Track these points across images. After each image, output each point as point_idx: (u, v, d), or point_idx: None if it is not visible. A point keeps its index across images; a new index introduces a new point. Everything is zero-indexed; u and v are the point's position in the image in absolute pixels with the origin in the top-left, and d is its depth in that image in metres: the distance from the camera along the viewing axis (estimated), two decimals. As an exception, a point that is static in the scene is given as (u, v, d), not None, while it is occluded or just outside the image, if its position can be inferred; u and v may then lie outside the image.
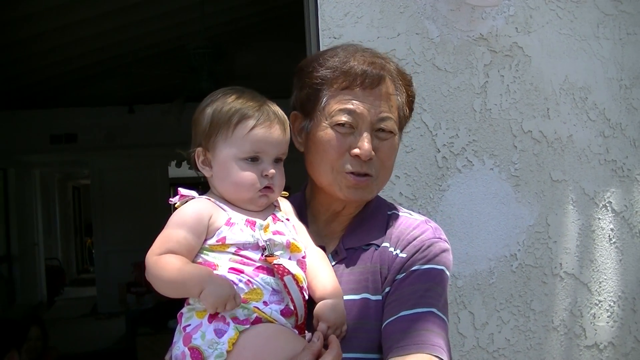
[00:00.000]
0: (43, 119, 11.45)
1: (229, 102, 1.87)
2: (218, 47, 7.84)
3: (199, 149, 1.90)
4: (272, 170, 1.85)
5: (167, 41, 9.41)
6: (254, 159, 1.84)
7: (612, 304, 3.27)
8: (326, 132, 1.93)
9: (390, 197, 2.90)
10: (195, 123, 1.92)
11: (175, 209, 1.87)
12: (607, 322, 3.26)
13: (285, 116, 1.93)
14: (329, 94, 1.93)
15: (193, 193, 1.89)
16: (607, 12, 3.29)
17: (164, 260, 1.76)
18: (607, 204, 3.28)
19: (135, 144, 12.11)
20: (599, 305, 3.25)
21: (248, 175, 1.83)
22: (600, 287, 3.25)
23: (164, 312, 8.55)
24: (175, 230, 1.80)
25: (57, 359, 6.57)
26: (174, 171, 15.51)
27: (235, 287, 1.73)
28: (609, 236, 3.28)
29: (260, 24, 9.36)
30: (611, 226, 3.29)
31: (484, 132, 3.07)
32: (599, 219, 3.27)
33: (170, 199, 1.91)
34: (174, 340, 1.82)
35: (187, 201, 1.87)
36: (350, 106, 1.90)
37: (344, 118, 1.90)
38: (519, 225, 3.10)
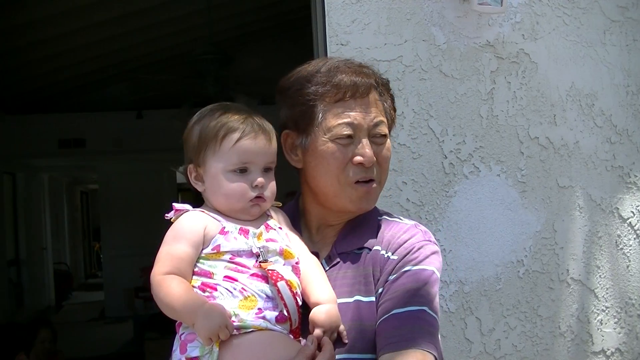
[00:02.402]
0: (52, 124, 11.47)
1: (215, 117, 1.92)
2: (225, 52, 7.86)
3: (191, 166, 1.95)
4: (261, 179, 1.88)
5: (175, 47, 9.44)
6: (242, 170, 1.88)
7: (619, 310, 3.27)
8: (327, 146, 1.97)
9: (397, 203, 2.92)
10: (185, 141, 1.97)
11: (172, 223, 1.91)
12: (614, 329, 3.26)
13: (271, 126, 1.97)
14: (324, 109, 1.97)
15: (187, 206, 1.93)
16: (613, 18, 3.30)
17: (165, 284, 1.79)
18: (614, 210, 3.28)
19: (143, 149, 12.13)
20: (606, 311, 3.25)
21: (238, 186, 1.87)
22: (607, 293, 3.25)
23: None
24: (172, 246, 1.84)
25: None
26: (181, 176, 15.51)
27: (230, 294, 1.77)
28: (616, 242, 3.29)
29: (267, 29, 9.39)
30: (618, 232, 3.30)
31: (491, 138, 3.08)
32: (606, 225, 3.27)
33: (166, 215, 1.94)
34: (173, 348, 1.86)
35: (181, 215, 1.91)
36: (348, 119, 1.95)
37: (344, 131, 1.95)
38: (525, 232, 3.11)
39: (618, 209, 3.29)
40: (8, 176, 13.23)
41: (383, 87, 2.05)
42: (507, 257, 3.08)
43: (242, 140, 1.87)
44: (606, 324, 3.25)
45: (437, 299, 1.95)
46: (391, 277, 1.93)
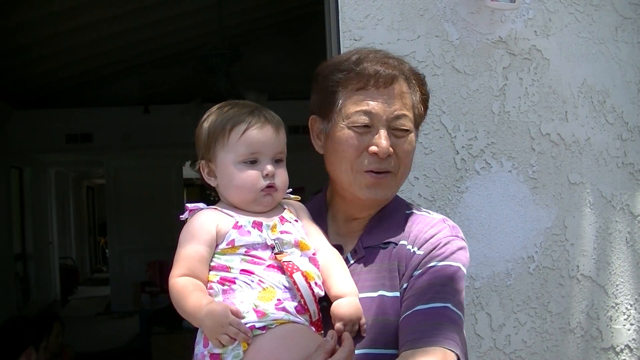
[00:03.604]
0: (59, 119, 11.50)
1: (222, 113, 1.96)
2: (235, 48, 7.87)
3: (202, 162, 1.98)
4: (270, 168, 1.91)
5: (184, 42, 9.46)
6: (252, 162, 1.91)
7: (628, 306, 3.28)
8: (344, 132, 1.97)
9: (409, 199, 2.92)
10: (196, 138, 2.01)
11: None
12: (624, 325, 3.27)
13: (279, 118, 1.99)
14: (345, 96, 1.98)
15: (200, 205, 1.96)
16: (625, 15, 3.30)
17: (177, 287, 1.83)
18: (625, 207, 3.29)
19: (150, 144, 12.15)
20: (616, 307, 3.25)
21: (248, 176, 1.90)
22: (617, 289, 3.26)
23: (178, 311, 8.57)
24: (186, 248, 1.87)
25: (73, 357, 6.60)
26: (188, 171, 15.56)
27: (248, 287, 1.79)
28: (626, 239, 3.29)
29: (277, 25, 9.40)
30: (628, 229, 3.30)
31: (503, 134, 3.08)
32: (616, 221, 3.27)
33: (180, 216, 1.97)
34: (196, 340, 1.87)
35: (194, 214, 1.94)
36: (365, 107, 1.95)
37: (361, 119, 1.95)
38: (536, 228, 3.11)
39: (629, 205, 3.29)
40: (15, 171, 13.26)
41: (415, 80, 2.04)
42: (517, 253, 3.08)
43: (249, 131, 1.90)
44: (616, 320, 3.25)
45: (462, 296, 1.94)
46: (416, 273, 1.93)
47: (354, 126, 1.96)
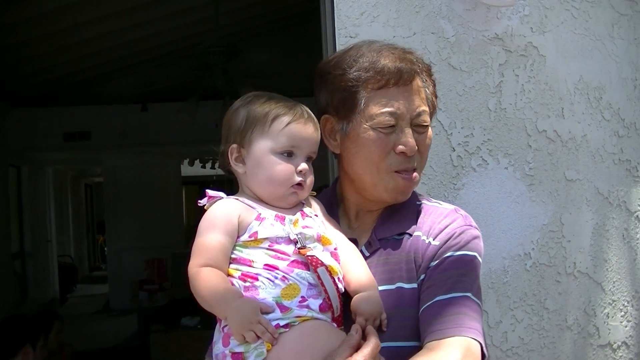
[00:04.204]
0: (57, 117, 11.51)
1: (262, 102, 1.92)
2: (232, 45, 7.86)
3: (234, 146, 1.93)
4: (305, 166, 1.89)
5: (181, 39, 9.45)
6: (289, 154, 1.89)
7: (625, 303, 3.28)
8: (369, 134, 1.96)
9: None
10: (227, 122, 1.96)
11: (205, 211, 1.90)
12: (621, 322, 3.27)
13: (316, 118, 1.97)
14: (366, 95, 1.96)
15: (221, 194, 1.92)
16: (622, 12, 3.29)
17: (201, 276, 1.78)
18: (621, 204, 3.28)
19: (148, 142, 12.16)
20: (613, 304, 3.25)
21: (284, 168, 1.88)
22: (614, 286, 3.25)
23: (177, 309, 8.58)
24: (207, 236, 1.83)
25: (71, 355, 6.59)
26: (186, 169, 15.56)
27: (271, 283, 1.76)
28: (623, 235, 3.29)
29: (274, 23, 9.39)
30: (625, 226, 3.30)
31: (499, 131, 3.08)
32: (613, 218, 3.27)
33: (199, 202, 1.93)
34: (214, 340, 1.85)
35: (214, 202, 1.90)
36: (390, 108, 1.94)
37: (386, 120, 1.94)
38: (533, 225, 3.11)
39: (625, 202, 3.29)
40: (13, 169, 13.24)
41: (426, 73, 2.04)
42: (514, 250, 3.08)
43: (293, 124, 1.88)
44: (613, 317, 3.25)
45: (479, 283, 1.95)
46: (433, 263, 1.93)
47: (380, 127, 1.95)
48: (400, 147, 1.95)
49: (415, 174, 2.00)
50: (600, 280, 3.22)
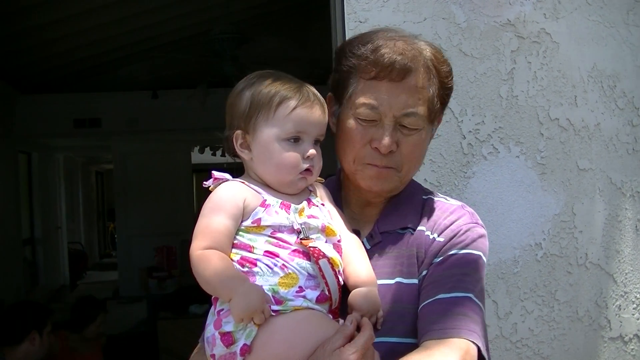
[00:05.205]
0: (67, 104, 11.50)
1: (266, 84, 1.86)
2: (242, 32, 7.83)
3: (239, 132, 1.88)
4: (313, 151, 1.84)
5: (191, 26, 9.42)
6: (296, 140, 1.83)
7: (638, 295, 3.24)
8: (350, 122, 1.92)
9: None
10: (231, 106, 1.91)
11: (210, 192, 1.86)
12: (633, 314, 3.23)
13: (323, 98, 1.92)
14: (356, 84, 1.92)
15: (227, 176, 1.87)
16: (637, -2, 3.24)
17: (205, 258, 1.74)
18: (635, 194, 3.24)
19: (159, 129, 12.15)
20: (625, 296, 3.21)
21: (291, 156, 1.83)
22: (626, 278, 3.21)
23: (185, 297, 8.60)
24: (211, 218, 1.79)
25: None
26: (196, 156, 15.54)
27: (270, 271, 1.73)
28: (636, 226, 3.25)
29: (284, 9, 9.33)
30: (638, 216, 3.25)
31: (510, 119, 3.03)
32: (626, 209, 3.23)
33: (204, 182, 1.89)
34: (206, 323, 1.81)
35: (220, 184, 1.86)
36: (373, 102, 1.88)
37: (366, 113, 1.89)
38: (544, 214, 3.06)
39: (639, 192, 3.24)
40: (23, 156, 13.28)
41: (436, 70, 1.93)
42: (525, 240, 3.04)
43: (299, 109, 1.83)
44: (625, 309, 3.21)
45: (482, 285, 1.91)
46: (436, 260, 1.89)
47: (359, 118, 1.90)
48: (375, 143, 1.89)
49: (388, 169, 1.92)
50: (612, 271, 3.18)
